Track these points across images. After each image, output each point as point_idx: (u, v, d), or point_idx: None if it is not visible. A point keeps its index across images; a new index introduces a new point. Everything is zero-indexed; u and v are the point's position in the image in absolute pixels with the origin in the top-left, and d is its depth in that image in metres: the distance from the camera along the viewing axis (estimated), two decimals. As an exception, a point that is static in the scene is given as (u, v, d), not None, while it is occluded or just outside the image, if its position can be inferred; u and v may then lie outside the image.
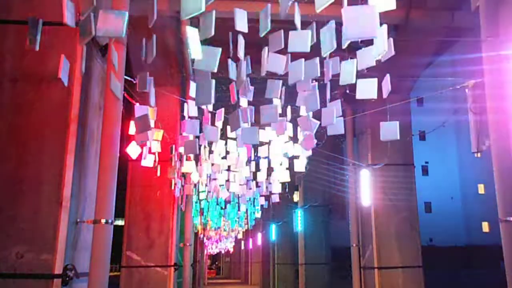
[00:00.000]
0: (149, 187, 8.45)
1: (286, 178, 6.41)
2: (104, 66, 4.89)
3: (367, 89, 3.21)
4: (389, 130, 3.66)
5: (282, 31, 3.06)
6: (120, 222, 9.10)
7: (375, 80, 3.27)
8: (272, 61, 3.13)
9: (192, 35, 2.66)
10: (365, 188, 9.63)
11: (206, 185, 8.09)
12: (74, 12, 2.72)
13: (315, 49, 2.92)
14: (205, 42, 2.73)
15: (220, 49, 2.76)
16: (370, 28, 2.18)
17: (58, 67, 3.00)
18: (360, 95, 3.22)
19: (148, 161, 5.97)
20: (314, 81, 3.50)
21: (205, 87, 2.91)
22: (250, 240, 31.12)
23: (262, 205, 11.04)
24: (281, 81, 3.63)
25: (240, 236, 28.30)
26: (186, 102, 5.31)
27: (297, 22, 2.87)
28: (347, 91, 3.33)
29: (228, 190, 7.71)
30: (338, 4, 2.46)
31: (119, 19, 2.46)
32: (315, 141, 4.07)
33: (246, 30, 2.95)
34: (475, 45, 5.36)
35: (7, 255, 3.89)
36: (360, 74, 3.14)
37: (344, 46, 2.60)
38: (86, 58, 4.23)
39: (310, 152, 4.80)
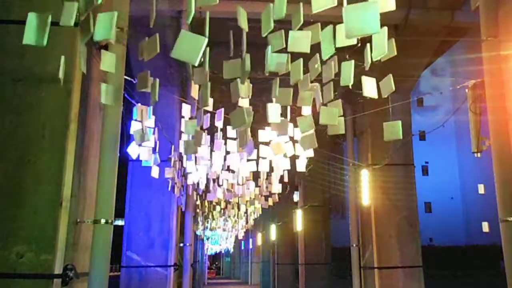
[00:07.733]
0: (149, 187, 8.44)
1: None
2: (104, 66, 4.88)
3: (370, 88, 3.20)
4: (392, 130, 3.66)
5: (282, 31, 3.05)
6: (120, 222, 9.10)
7: (374, 80, 3.26)
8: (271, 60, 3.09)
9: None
10: (365, 188, 9.62)
11: (206, 185, 8.08)
12: (74, 12, 2.72)
13: (315, 48, 2.91)
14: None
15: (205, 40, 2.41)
16: (371, 25, 2.16)
17: (58, 67, 2.99)
18: (366, 92, 3.20)
19: (148, 161, 5.96)
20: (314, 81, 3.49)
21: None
22: (250, 240, 31.12)
23: (262, 205, 11.03)
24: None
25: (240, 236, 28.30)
26: (185, 102, 5.30)
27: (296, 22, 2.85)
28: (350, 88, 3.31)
29: (227, 190, 7.69)
30: (338, 4, 2.45)
31: (111, 22, 2.45)
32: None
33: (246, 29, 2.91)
34: (475, 45, 5.36)
35: (7, 255, 3.88)
36: (360, 74, 3.14)
37: (338, 45, 2.58)
38: (86, 58, 4.23)
39: (311, 152, 4.77)
